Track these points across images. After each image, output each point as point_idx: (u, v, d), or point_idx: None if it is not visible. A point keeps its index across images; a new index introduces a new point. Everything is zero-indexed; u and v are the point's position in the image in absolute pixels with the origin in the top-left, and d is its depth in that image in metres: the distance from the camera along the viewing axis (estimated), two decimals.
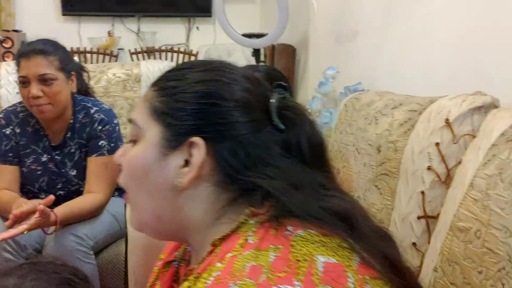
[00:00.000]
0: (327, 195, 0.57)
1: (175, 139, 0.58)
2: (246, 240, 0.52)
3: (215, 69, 0.62)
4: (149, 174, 0.59)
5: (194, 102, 0.58)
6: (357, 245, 0.53)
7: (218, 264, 0.50)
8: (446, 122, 0.96)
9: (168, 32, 3.92)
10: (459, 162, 0.90)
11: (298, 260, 0.49)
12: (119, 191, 1.79)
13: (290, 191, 0.55)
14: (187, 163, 0.58)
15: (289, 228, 0.53)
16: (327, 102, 1.79)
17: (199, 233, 0.60)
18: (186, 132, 0.58)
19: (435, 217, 0.93)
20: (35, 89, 1.50)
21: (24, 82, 1.52)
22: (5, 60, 3.24)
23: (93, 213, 1.58)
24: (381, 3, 1.78)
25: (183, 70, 0.62)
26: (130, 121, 0.63)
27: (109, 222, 1.64)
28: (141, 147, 0.60)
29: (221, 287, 0.47)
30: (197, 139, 0.57)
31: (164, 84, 0.62)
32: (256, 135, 0.58)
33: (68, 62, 1.61)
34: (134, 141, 0.62)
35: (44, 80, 1.52)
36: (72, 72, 1.62)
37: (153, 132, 0.59)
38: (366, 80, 1.75)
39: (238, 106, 0.58)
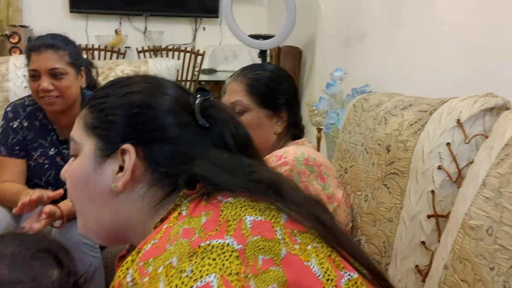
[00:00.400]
0: (254, 171, 0.62)
1: (108, 148, 0.64)
2: (180, 213, 0.58)
3: (139, 82, 0.68)
4: (88, 182, 0.65)
5: (122, 113, 0.64)
6: (285, 207, 0.59)
7: (156, 236, 0.55)
8: (458, 123, 0.96)
9: (175, 32, 3.94)
10: (471, 162, 0.90)
11: (228, 220, 0.54)
12: None
13: (217, 171, 0.60)
14: (122, 169, 0.63)
15: (219, 197, 0.58)
16: (334, 103, 1.80)
17: (138, 231, 0.64)
18: (117, 140, 0.63)
19: (445, 216, 0.94)
20: (45, 82, 1.51)
21: (34, 75, 1.53)
22: (11, 55, 3.25)
23: None
24: (389, 5, 1.79)
25: (110, 87, 0.69)
26: (70, 138, 0.69)
27: None
28: (80, 159, 0.66)
29: (158, 250, 0.52)
30: (127, 146, 0.63)
31: (95, 102, 0.68)
32: (183, 134, 0.64)
33: (78, 57, 1.62)
34: (74, 156, 0.68)
35: (54, 74, 1.52)
36: (82, 67, 1.63)
37: (88, 145, 0.65)
38: (373, 82, 1.75)
39: (164, 112, 0.64)
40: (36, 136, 1.64)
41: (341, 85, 1.82)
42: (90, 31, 3.74)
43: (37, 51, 1.52)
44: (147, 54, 3.57)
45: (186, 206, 0.58)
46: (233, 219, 0.54)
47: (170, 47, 3.70)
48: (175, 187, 0.63)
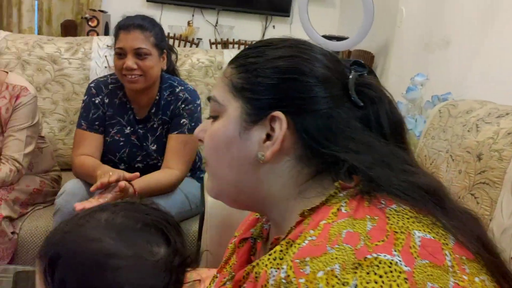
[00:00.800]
0: (413, 171, 0.56)
1: (256, 113, 0.59)
2: (339, 209, 0.52)
3: (293, 46, 0.62)
4: (231, 147, 0.60)
5: (274, 77, 0.59)
6: (449, 225, 0.51)
7: (312, 231, 0.51)
8: None
9: (245, 27, 3.96)
10: None
11: (396, 232, 0.48)
12: (191, 172, 1.82)
13: (376, 165, 0.54)
14: (269, 137, 0.58)
15: (382, 201, 0.52)
16: (412, 109, 1.74)
17: (278, 207, 0.60)
18: (267, 106, 0.58)
19: None
20: (130, 61, 1.55)
21: (120, 53, 1.57)
22: None
23: (169, 189, 1.61)
24: (480, 9, 1.71)
25: (261, 47, 0.62)
26: (210, 98, 0.64)
27: (181, 200, 1.67)
28: (223, 122, 0.61)
29: (317, 250, 0.47)
30: (278, 113, 0.58)
31: (243, 61, 0.62)
32: (336, 110, 0.58)
33: (162, 40, 1.65)
34: (214, 117, 0.63)
35: (139, 54, 1.56)
36: (164, 50, 1.66)
37: (233, 108, 0.60)
38: (455, 90, 1.68)
39: (318, 81, 0.58)
40: (115, 114, 1.69)
41: (421, 91, 1.76)
42: (164, 21, 3.79)
43: (126, 30, 1.56)
44: (218, 46, 3.62)
45: (345, 202, 0.53)
46: (401, 232, 0.48)
47: (241, 42, 3.73)
48: (321, 168, 0.58)
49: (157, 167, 1.67)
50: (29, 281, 1.19)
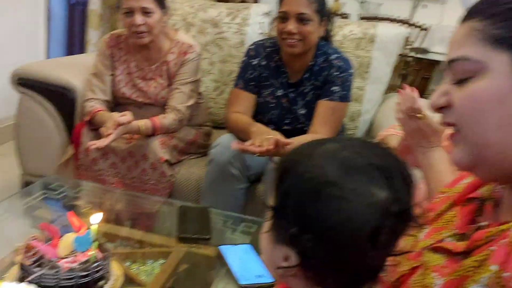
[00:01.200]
0: None
1: None
2: None
3: None
4: (505, 104, 0.55)
5: None
6: None
7: None
8: None
9: (393, 5, 3.83)
10: None
11: None
12: None
13: None
14: None
15: None
16: None
17: None
18: None
19: None
20: (292, 25, 1.60)
21: (283, 17, 1.63)
22: None
23: None
24: None
25: None
26: (452, 61, 0.60)
27: None
28: (487, 79, 0.57)
29: None
30: None
31: (496, 10, 0.57)
32: None
33: (324, 7, 1.67)
34: (462, 80, 0.59)
35: (301, 19, 1.61)
36: (324, 18, 1.69)
37: (499, 61, 0.56)
38: None
39: None
40: (269, 76, 1.77)
41: None
42: None
43: None
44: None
45: None
46: None
47: (390, 18, 3.62)
48: None
49: (303, 132, 1.72)
50: (190, 215, 1.32)
